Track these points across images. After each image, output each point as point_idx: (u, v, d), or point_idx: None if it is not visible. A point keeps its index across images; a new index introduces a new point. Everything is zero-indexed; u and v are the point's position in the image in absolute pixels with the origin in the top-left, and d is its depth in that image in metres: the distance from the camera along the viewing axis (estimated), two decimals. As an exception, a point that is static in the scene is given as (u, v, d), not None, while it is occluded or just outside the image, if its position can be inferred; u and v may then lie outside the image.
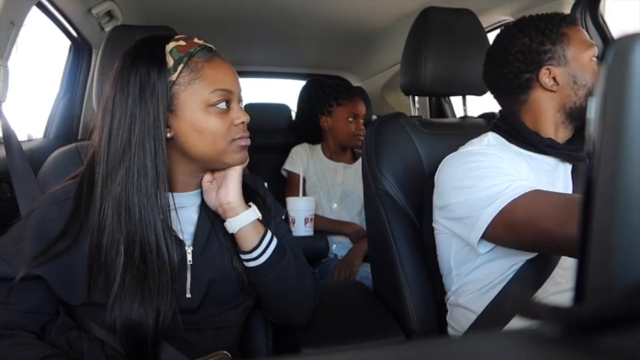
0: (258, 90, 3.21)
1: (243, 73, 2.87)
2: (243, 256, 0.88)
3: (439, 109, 2.34)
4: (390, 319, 1.16)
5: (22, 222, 0.82)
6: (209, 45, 0.86)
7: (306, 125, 2.13)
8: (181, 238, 0.86)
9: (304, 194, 1.90)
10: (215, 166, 0.87)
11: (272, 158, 2.23)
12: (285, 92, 3.30)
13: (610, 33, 1.48)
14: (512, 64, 0.99)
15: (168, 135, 0.81)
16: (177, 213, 0.84)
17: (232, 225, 0.86)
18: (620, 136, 0.24)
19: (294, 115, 2.49)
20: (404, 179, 1.20)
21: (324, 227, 1.88)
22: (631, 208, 0.24)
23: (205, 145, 0.81)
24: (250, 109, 2.75)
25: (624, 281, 0.23)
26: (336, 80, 2.71)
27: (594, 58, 0.97)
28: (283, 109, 2.55)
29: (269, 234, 0.89)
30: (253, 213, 0.88)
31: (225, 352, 0.89)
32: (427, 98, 2.31)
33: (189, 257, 0.86)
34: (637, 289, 0.23)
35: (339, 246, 1.91)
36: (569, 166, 1.02)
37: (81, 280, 0.78)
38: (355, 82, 2.76)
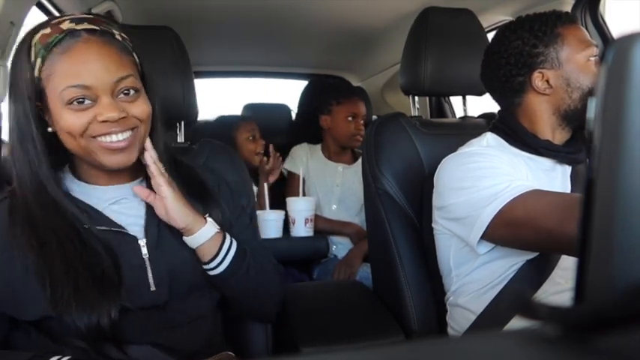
0: (259, 90, 3.21)
1: (243, 73, 2.88)
2: (204, 266, 0.85)
3: (439, 109, 2.34)
4: (390, 319, 1.16)
5: None
6: (81, 27, 0.74)
7: (307, 124, 2.14)
8: (131, 233, 0.81)
9: (304, 194, 1.90)
10: (100, 167, 0.79)
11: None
12: (285, 92, 3.30)
13: (610, 33, 1.48)
14: (505, 68, 0.99)
15: (50, 129, 0.77)
16: (94, 207, 0.80)
17: (190, 243, 0.82)
18: (620, 136, 0.24)
19: (294, 115, 2.50)
20: (404, 179, 1.20)
21: (324, 227, 1.88)
22: (631, 208, 0.24)
23: (69, 143, 0.75)
24: (251, 109, 2.75)
25: (624, 281, 0.23)
26: (337, 80, 2.72)
27: (592, 58, 0.95)
28: (283, 109, 2.55)
29: (227, 241, 0.85)
30: (211, 228, 0.83)
31: (229, 352, 0.89)
32: (427, 98, 2.31)
33: (145, 251, 0.81)
34: (637, 290, 0.23)
35: (339, 247, 1.91)
36: (567, 168, 1.02)
37: (30, 293, 0.73)
38: (355, 82, 2.76)
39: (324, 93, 2.09)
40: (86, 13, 0.79)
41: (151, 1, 1.74)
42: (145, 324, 0.80)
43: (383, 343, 1.06)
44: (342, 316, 1.16)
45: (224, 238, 0.85)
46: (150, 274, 0.81)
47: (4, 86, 1.09)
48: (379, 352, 0.24)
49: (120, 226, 0.81)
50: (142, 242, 0.82)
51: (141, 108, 0.77)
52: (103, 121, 0.73)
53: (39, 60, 0.72)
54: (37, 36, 0.73)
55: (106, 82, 0.73)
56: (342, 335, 1.08)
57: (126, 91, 0.76)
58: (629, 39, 0.24)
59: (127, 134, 0.76)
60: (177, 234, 0.84)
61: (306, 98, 2.31)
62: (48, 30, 0.73)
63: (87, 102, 0.73)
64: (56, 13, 1.53)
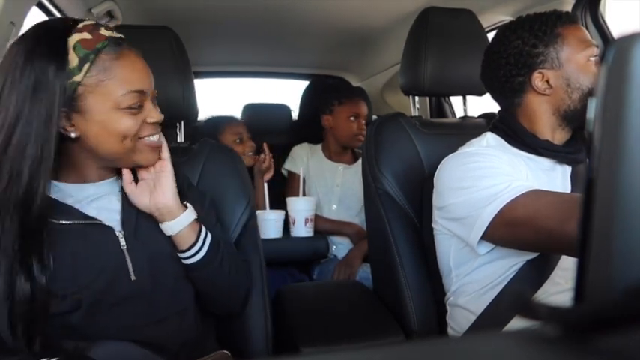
0: (259, 90, 3.21)
1: (243, 73, 2.87)
2: (180, 255, 0.86)
3: (439, 109, 2.34)
4: (390, 319, 1.16)
5: None
6: (118, 35, 0.79)
7: (309, 124, 2.14)
8: (108, 224, 0.83)
9: (304, 194, 1.90)
10: (125, 165, 0.84)
11: (273, 158, 2.23)
12: (285, 92, 3.30)
13: (610, 33, 1.48)
14: (505, 68, 0.99)
15: (73, 135, 0.77)
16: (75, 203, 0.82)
17: (171, 228, 0.84)
18: (620, 136, 0.24)
19: (294, 115, 2.50)
20: (404, 179, 1.20)
21: (324, 228, 1.88)
22: (631, 208, 0.24)
23: (114, 145, 0.78)
24: (251, 109, 2.76)
25: (624, 282, 0.23)
26: (337, 80, 2.72)
27: (592, 58, 0.95)
28: (283, 109, 2.55)
29: (204, 230, 0.88)
30: (191, 214, 0.86)
31: (224, 351, 0.90)
32: (427, 98, 2.31)
33: (123, 242, 0.83)
34: (637, 290, 0.23)
35: (339, 247, 1.91)
36: (567, 169, 1.02)
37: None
38: (355, 82, 2.76)
39: (325, 93, 2.08)
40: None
41: (151, 1, 1.74)
42: (131, 318, 0.81)
43: (383, 343, 1.06)
44: (342, 316, 1.16)
45: (201, 227, 0.88)
46: (129, 264, 0.82)
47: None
48: (379, 352, 0.24)
49: (93, 219, 0.82)
50: (120, 234, 0.83)
51: (160, 113, 0.84)
52: (152, 123, 0.81)
53: (86, 65, 0.74)
54: (74, 39, 0.74)
55: (151, 87, 0.81)
56: (342, 335, 1.08)
57: (155, 98, 0.84)
58: (629, 39, 0.24)
59: (158, 132, 0.84)
60: (155, 225, 0.86)
61: (307, 98, 2.31)
62: (88, 35, 0.75)
63: (137, 107, 0.78)
64: (56, 13, 1.53)
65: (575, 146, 1.00)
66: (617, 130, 0.24)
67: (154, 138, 0.82)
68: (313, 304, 1.25)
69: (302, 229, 1.72)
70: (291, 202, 1.76)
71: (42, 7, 1.45)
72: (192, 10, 1.83)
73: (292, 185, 1.99)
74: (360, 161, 1.72)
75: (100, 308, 0.78)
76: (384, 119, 1.29)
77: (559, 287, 0.93)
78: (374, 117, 2.40)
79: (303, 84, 2.42)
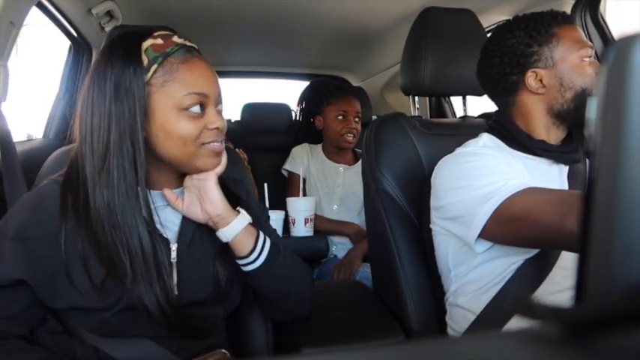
0: (259, 90, 3.21)
1: (243, 73, 2.87)
2: (240, 262, 0.86)
3: (439, 109, 2.34)
4: (390, 319, 1.16)
5: (1, 226, 0.80)
6: (189, 44, 0.82)
7: (307, 127, 2.15)
8: (165, 236, 0.84)
9: (304, 195, 1.90)
10: (188, 170, 0.84)
11: (272, 158, 2.23)
12: (285, 92, 3.30)
13: (610, 33, 1.48)
14: (499, 67, 0.99)
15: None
16: (157, 212, 0.83)
17: (226, 235, 0.84)
18: (620, 137, 0.24)
19: (294, 115, 2.51)
20: (404, 179, 1.20)
21: (324, 227, 1.88)
22: (631, 208, 0.24)
23: (174, 148, 0.80)
24: (251, 109, 2.75)
25: (624, 282, 0.23)
26: (329, 80, 2.72)
27: (587, 59, 0.95)
28: (284, 109, 2.56)
29: (262, 235, 0.88)
30: (244, 218, 0.86)
31: (223, 350, 0.89)
32: (427, 98, 2.31)
33: (174, 255, 0.84)
34: (637, 290, 0.23)
35: (339, 247, 1.91)
36: (564, 168, 1.02)
37: (66, 283, 0.76)
38: (355, 82, 2.76)
39: (316, 94, 2.13)
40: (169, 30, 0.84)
41: (151, 1, 1.74)
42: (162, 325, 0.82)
43: (383, 343, 1.06)
44: (342, 316, 1.16)
45: (259, 232, 0.88)
46: (175, 279, 0.83)
47: (4, 87, 1.09)
48: (379, 352, 0.24)
49: (155, 227, 0.82)
50: (174, 247, 0.85)
51: (225, 121, 0.84)
52: (214, 129, 0.81)
53: (154, 66, 0.77)
54: (147, 44, 0.79)
55: (216, 93, 0.82)
56: (342, 335, 1.07)
57: (220, 106, 0.85)
58: (629, 39, 0.24)
59: (221, 139, 0.84)
60: (209, 243, 0.87)
61: (302, 100, 2.33)
62: (160, 41, 0.79)
63: (199, 110, 0.80)
64: (56, 13, 1.53)
65: (571, 145, 1.00)
66: (617, 130, 0.24)
67: (218, 147, 0.83)
68: (313, 304, 1.25)
69: (302, 229, 1.72)
70: (291, 202, 1.76)
71: (42, 7, 1.45)
72: (192, 10, 1.83)
73: (292, 185, 1.99)
74: (360, 161, 1.72)
75: (136, 311, 0.78)
76: (384, 119, 1.29)
77: (558, 286, 0.93)
78: (374, 117, 2.40)
79: (304, 84, 2.42)
